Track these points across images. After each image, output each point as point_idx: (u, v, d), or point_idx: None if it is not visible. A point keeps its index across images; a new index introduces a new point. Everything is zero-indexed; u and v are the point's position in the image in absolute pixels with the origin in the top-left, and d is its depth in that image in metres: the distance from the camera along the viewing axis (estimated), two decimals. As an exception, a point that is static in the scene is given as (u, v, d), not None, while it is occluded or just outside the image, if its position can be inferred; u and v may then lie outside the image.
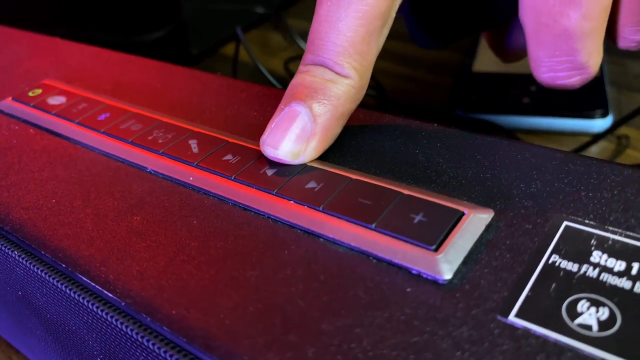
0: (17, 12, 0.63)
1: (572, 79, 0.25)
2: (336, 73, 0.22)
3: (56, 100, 0.28)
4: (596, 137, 0.39)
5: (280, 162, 0.21)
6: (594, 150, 0.40)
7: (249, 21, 0.61)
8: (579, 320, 0.15)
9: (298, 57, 0.52)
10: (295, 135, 0.21)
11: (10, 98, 0.29)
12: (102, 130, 0.25)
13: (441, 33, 0.32)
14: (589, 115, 0.41)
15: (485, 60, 0.48)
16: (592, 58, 0.24)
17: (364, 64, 0.22)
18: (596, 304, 0.15)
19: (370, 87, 0.48)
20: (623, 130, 0.41)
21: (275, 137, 0.21)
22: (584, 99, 0.41)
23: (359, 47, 0.22)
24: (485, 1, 0.28)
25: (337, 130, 0.22)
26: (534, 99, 0.42)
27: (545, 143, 0.41)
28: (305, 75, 0.22)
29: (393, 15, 0.23)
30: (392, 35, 0.24)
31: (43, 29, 0.39)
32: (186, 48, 0.56)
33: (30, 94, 0.29)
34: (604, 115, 0.41)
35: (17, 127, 0.27)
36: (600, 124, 0.41)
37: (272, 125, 0.22)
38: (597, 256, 0.16)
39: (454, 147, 0.21)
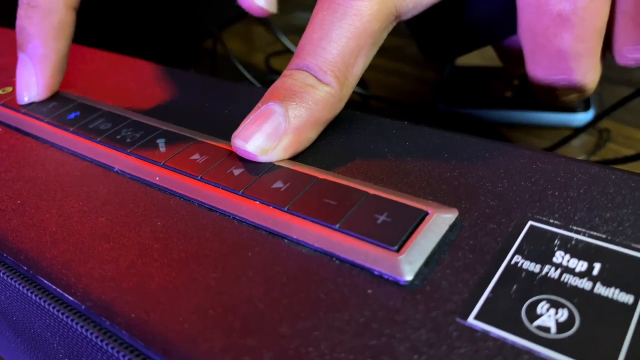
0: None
1: (569, 97, 0.26)
2: (318, 79, 0.22)
3: (26, 98, 0.28)
4: (577, 131, 0.39)
5: (247, 157, 0.21)
6: (575, 144, 0.40)
7: (232, 15, 0.61)
8: (537, 322, 0.15)
9: (280, 52, 0.52)
10: (267, 132, 0.21)
11: (-20, 96, 0.29)
12: (71, 130, 0.25)
13: (446, 49, 0.33)
14: (571, 109, 0.41)
15: (469, 55, 0.48)
16: (587, 77, 0.25)
17: (348, 77, 0.22)
18: (556, 305, 0.15)
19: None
20: (604, 123, 0.41)
21: (247, 132, 0.21)
22: None
23: (346, 59, 0.22)
24: (488, 21, 0.29)
25: (310, 134, 0.22)
26: (516, 93, 0.42)
27: (527, 137, 0.41)
28: (287, 79, 0.22)
29: (384, 36, 0.23)
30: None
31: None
32: (171, 41, 0.55)
33: (0, 92, 0.28)
34: (586, 109, 0.41)
35: (-15, 126, 0.27)
36: (581, 118, 0.40)
37: (247, 120, 0.22)
38: (559, 257, 0.16)
39: (422, 145, 0.21)
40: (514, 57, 0.31)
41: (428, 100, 0.45)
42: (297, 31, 0.57)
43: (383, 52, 0.55)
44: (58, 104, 0.27)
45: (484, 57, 0.46)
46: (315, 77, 0.22)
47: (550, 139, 0.40)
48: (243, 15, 0.61)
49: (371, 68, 0.53)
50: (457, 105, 0.42)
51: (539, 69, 0.25)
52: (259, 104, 0.22)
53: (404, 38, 0.55)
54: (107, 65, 0.31)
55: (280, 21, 0.60)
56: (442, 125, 0.22)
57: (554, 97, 0.27)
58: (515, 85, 0.43)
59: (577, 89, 0.26)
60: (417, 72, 0.50)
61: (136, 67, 0.30)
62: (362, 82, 0.48)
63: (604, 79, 0.45)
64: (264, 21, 0.56)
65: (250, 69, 0.50)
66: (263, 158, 0.21)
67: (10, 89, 0.29)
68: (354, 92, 0.23)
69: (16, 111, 0.27)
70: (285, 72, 0.23)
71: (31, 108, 0.27)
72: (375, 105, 0.45)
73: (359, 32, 0.22)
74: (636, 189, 0.18)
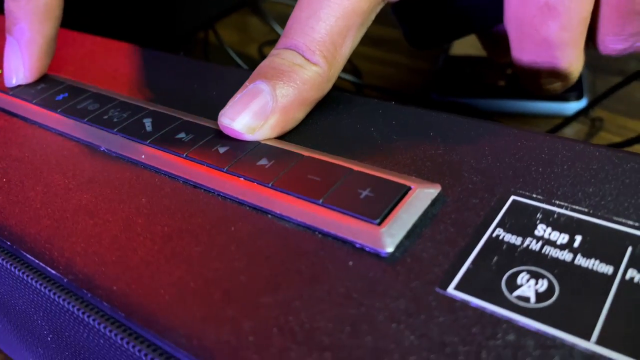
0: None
1: (554, 85, 0.26)
2: (306, 59, 0.22)
3: (15, 80, 0.27)
4: (568, 119, 0.39)
5: (234, 135, 0.21)
6: (568, 133, 0.40)
7: (228, 5, 0.61)
8: (517, 292, 0.15)
9: (273, 41, 0.51)
10: (254, 111, 0.21)
11: (-32, 78, 0.29)
12: (59, 110, 0.25)
13: (432, 36, 0.33)
14: (564, 98, 0.41)
15: (463, 44, 0.48)
16: (572, 65, 0.25)
17: (336, 56, 0.22)
18: (536, 276, 0.15)
19: (346, 70, 0.48)
20: (597, 112, 0.41)
21: (234, 110, 0.21)
22: None
23: (334, 38, 0.22)
24: (474, 9, 0.29)
25: (298, 114, 0.22)
26: (510, 82, 0.42)
27: (520, 126, 0.41)
28: (274, 58, 0.22)
29: (372, 17, 0.23)
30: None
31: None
32: (170, 29, 0.55)
33: (-11, 74, 0.28)
34: (579, 97, 0.41)
35: (-26, 108, 0.27)
36: (574, 107, 0.40)
37: (234, 99, 0.22)
38: (541, 229, 0.16)
39: (408, 124, 0.21)
40: (500, 46, 0.31)
41: (422, 90, 0.45)
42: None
43: (378, 42, 0.55)
44: (47, 86, 0.27)
45: (478, 47, 0.46)
46: (303, 57, 0.22)
47: (543, 127, 0.40)
48: (238, 6, 0.61)
49: (366, 58, 0.53)
50: (450, 95, 0.42)
51: (524, 56, 0.25)
52: (247, 83, 0.22)
53: (398, 29, 0.55)
54: (98, 49, 0.31)
55: (275, 11, 0.60)
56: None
57: (539, 85, 0.27)
58: (509, 74, 0.43)
59: (561, 77, 0.26)
60: (411, 63, 0.50)
61: (126, 51, 0.30)
62: (357, 72, 0.48)
63: (597, 69, 0.45)
64: (259, 11, 0.56)
65: (245, 58, 0.50)
66: (249, 137, 0.21)
67: (-1, 71, 0.29)
68: (348, 82, 0.23)
69: (5, 93, 0.27)
70: (273, 52, 0.23)
71: (20, 90, 0.27)
72: (370, 94, 0.45)
73: (348, 12, 0.22)
74: (619, 165, 0.18)
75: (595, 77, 0.44)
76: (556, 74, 0.26)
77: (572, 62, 0.25)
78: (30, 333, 0.22)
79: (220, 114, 0.21)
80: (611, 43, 0.25)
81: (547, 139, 0.19)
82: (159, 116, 0.23)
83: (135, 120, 0.23)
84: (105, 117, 0.24)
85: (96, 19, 0.55)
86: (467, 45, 0.47)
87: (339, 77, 0.23)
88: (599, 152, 0.19)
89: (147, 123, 0.23)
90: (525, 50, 0.25)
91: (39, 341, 0.22)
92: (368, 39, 0.57)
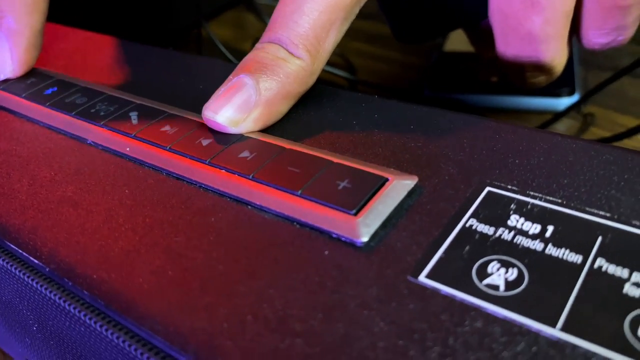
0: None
1: (538, 78, 0.27)
2: (290, 52, 0.22)
3: (5, 74, 0.28)
4: (559, 114, 0.39)
5: (217, 128, 0.21)
6: (559, 128, 0.40)
7: (223, 2, 0.61)
8: (487, 280, 0.15)
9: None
10: (238, 104, 0.21)
11: (-41, 73, 0.29)
12: (47, 104, 0.25)
13: (419, 31, 0.33)
14: (556, 94, 0.41)
15: (456, 41, 0.48)
16: (555, 59, 0.25)
17: (319, 50, 0.22)
18: (506, 265, 0.15)
19: (340, 66, 0.48)
20: (589, 108, 0.41)
21: (217, 103, 0.21)
22: None
23: (318, 32, 0.22)
24: (459, 4, 0.29)
25: (281, 107, 0.22)
26: (502, 78, 0.43)
27: (512, 121, 0.41)
28: (258, 52, 0.22)
29: (356, 10, 0.23)
30: (364, 15, 0.25)
31: None
32: (161, 26, 0.56)
33: (-21, 68, 0.29)
34: (571, 93, 0.41)
35: (-36, 102, 0.27)
36: (566, 102, 0.41)
37: (218, 92, 0.22)
38: (514, 220, 0.16)
39: (389, 118, 0.22)
40: (486, 40, 0.32)
41: (415, 85, 0.45)
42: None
43: (372, 38, 0.55)
44: (36, 80, 0.27)
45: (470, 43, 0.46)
46: (287, 50, 0.22)
47: (535, 122, 0.40)
48: (234, 3, 0.61)
49: (360, 54, 0.53)
50: (443, 91, 0.42)
51: (509, 50, 0.26)
52: (230, 77, 0.22)
53: (392, 24, 0.55)
54: (87, 43, 0.31)
55: (270, 7, 0.61)
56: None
57: (524, 78, 0.27)
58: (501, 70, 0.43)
59: (545, 71, 0.26)
60: (405, 59, 0.50)
61: (115, 45, 0.30)
62: (350, 68, 0.48)
63: (590, 65, 0.45)
64: (254, 9, 0.57)
65: (240, 55, 0.50)
66: (233, 130, 0.21)
67: (-10, 66, 0.29)
68: (342, 78, 0.23)
69: (-6, 87, 0.27)
70: (257, 45, 0.23)
71: (9, 84, 0.27)
72: (363, 90, 0.45)
73: (331, 6, 0.22)
74: (594, 158, 0.18)
75: (588, 73, 0.44)
76: (540, 68, 0.26)
77: (556, 55, 0.25)
78: (17, 323, 0.22)
79: (204, 107, 0.22)
80: (594, 37, 0.25)
81: (525, 131, 0.20)
82: (145, 109, 0.23)
83: (122, 114, 0.23)
84: (93, 110, 0.24)
85: (89, 15, 0.56)
86: (461, 42, 0.47)
87: (333, 74, 0.24)
88: (575, 144, 0.19)
89: (133, 116, 0.23)
90: (509, 44, 0.25)
91: (25, 331, 0.22)
92: (362, 35, 0.57)
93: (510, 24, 0.25)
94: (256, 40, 0.53)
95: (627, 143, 0.36)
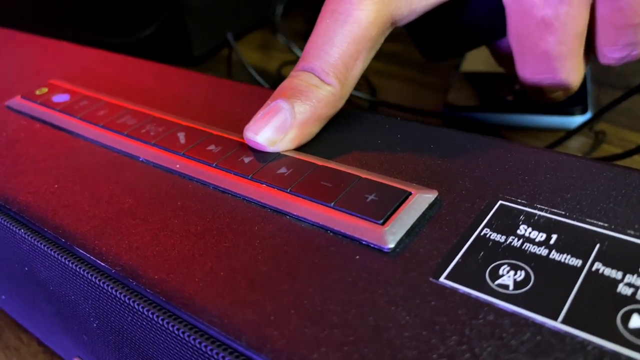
0: (21, 19, 0.67)
1: (556, 94, 0.29)
2: (321, 80, 0.25)
3: (60, 98, 0.31)
4: (571, 132, 0.41)
5: (258, 147, 0.24)
6: (572, 146, 0.42)
7: (249, 24, 0.64)
8: (498, 281, 0.17)
9: (292, 62, 0.55)
10: (275, 126, 0.24)
11: (20, 96, 0.32)
12: (101, 125, 0.28)
13: (444, 49, 0.35)
14: (569, 112, 0.43)
15: (474, 61, 0.50)
16: (571, 75, 0.27)
17: (348, 77, 0.25)
18: (515, 268, 0.17)
19: (361, 88, 0.50)
20: (601, 126, 0.43)
21: (257, 125, 0.24)
22: None
23: (346, 61, 0.25)
24: (481, 23, 0.32)
25: (313, 129, 0.25)
26: (517, 97, 0.44)
27: (526, 138, 0.43)
28: (293, 79, 0.25)
29: (381, 40, 0.26)
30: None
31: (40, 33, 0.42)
32: (188, 50, 0.59)
33: (37, 92, 0.32)
34: (583, 112, 0.42)
35: (24, 122, 0.30)
36: (579, 121, 0.42)
37: (257, 115, 0.24)
38: (522, 229, 0.19)
39: (411, 138, 0.24)
40: (506, 56, 0.34)
41: (434, 105, 0.47)
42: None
43: (391, 58, 0.57)
44: (89, 102, 0.30)
45: (488, 63, 0.49)
46: (319, 78, 0.25)
47: (548, 140, 0.42)
48: (259, 24, 0.65)
49: (380, 74, 0.55)
50: (461, 109, 0.45)
51: (527, 69, 0.28)
52: (269, 101, 0.25)
53: (411, 45, 0.58)
54: (133, 69, 0.34)
55: (293, 29, 0.64)
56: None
57: (542, 94, 0.29)
58: (517, 90, 0.45)
59: (562, 87, 0.28)
60: (423, 78, 0.53)
61: (158, 71, 0.33)
62: (371, 89, 0.50)
63: (603, 84, 0.47)
64: (277, 31, 0.59)
65: (265, 75, 0.53)
66: (271, 148, 0.24)
67: (45, 89, 0.32)
68: (362, 99, 0.26)
69: (52, 109, 0.30)
70: (292, 73, 0.25)
71: (65, 106, 0.30)
72: (383, 110, 0.47)
73: (358, 38, 0.25)
74: (595, 174, 0.20)
75: (601, 92, 0.46)
76: (557, 84, 0.28)
77: (571, 72, 0.27)
78: (76, 322, 0.25)
79: (245, 128, 0.24)
80: (608, 52, 0.27)
81: (533, 150, 0.22)
82: (191, 130, 0.26)
83: (170, 134, 0.26)
84: (143, 130, 0.27)
85: (122, 43, 0.59)
86: (478, 62, 0.49)
87: (355, 96, 0.26)
88: (578, 162, 0.21)
89: (181, 136, 0.26)
90: (527, 63, 0.28)
91: (84, 329, 0.24)
92: (382, 55, 0.59)
93: (526, 45, 0.27)
94: (281, 64, 0.56)
95: (638, 159, 0.38)
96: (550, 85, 0.28)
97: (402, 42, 0.59)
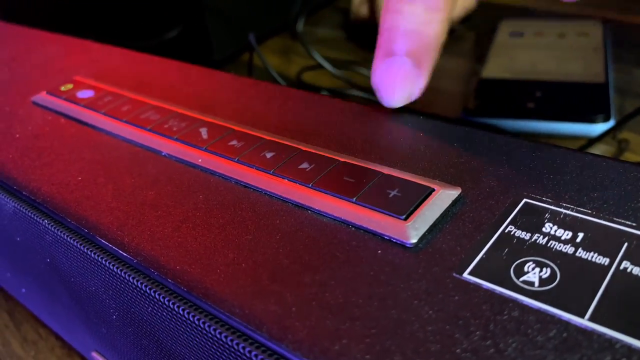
0: (44, 22, 0.68)
1: None
2: (431, 9, 0.24)
3: (85, 94, 0.31)
4: (593, 140, 0.41)
5: (393, 106, 0.25)
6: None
7: (269, 29, 0.64)
8: (523, 277, 0.17)
9: (312, 67, 0.55)
10: (402, 84, 0.24)
11: (45, 92, 0.32)
12: (124, 120, 0.28)
13: None
14: (591, 120, 0.42)
15: (494, 68, 0.50)
16: None
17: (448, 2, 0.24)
18: (540, 265, 0.17)
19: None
20: (624, 134, 0.43)
21: (386, 90, 0.25)
22: (588, 104, 0.43)
23: None
24: None
25: (434, 63, 0.25)
26: (538, 104, 0.44)
27: (547, 146, 0.43)
28: (398, 17, 0.24)
29: None
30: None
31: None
32: (209, 54, 0.59)
33: (62, 88, 0.32)
34: (606, 119, 0.42)
35: (50, 117, 0.30)
36: (601, 128, 0.42)
37: (379, 77, 0.25)
38: (548, 227, 0.18)
39: (435, 136, 0.24)
40: None
41: (454, 111, 0.47)
42: (329, 45, 0.61)
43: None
44: (113, 98, 0.30)
45: (508, 70, 0.48)
46: (424, 8, 0.24)
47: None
48: (279, 30, 0.65)
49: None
50: (481, 115, 0.44)
51: None
52: (381, 55, 0.25)
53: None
54: (156, 67, 0.34)
55: (313, 34, 0.64)
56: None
57: None
58: (538, 97, 0.45)
59: None
60: (443, 85, 0.52)
61: (181, 69, 0.33)
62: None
63: (626, 93, 0.47)
64: (297, 36, 0.60)
65: (285, 80, 0.53)
66: (408, 101, 0.25)
67: (70, 86, 0.32)
68: (379, 104, 0.26)
69: (77, 104, 0.30)
70: (391, 5, 0.25)
71: (89, 102, 0.30)
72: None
73: None
74: (622, 175, 0.20)
75: (624, 101, 0.46)
76: None
77: None
78: (96, 314, 0.25)
79: (379, 98, 0.25)
80: None
81: (559, 150, 0.22)
82: (213, 126, 0.26)
83: (193, 130, 0.26)
84: (166, 126, 0.27)
85: (142, 42, 0.60)
86: (498, 69, 0.49)
87: (372, 100, 0.26)
88: (605, 162, 0.21)
89: (203, 132, 0.26)
90: None
91: (103, 321, 0.25)
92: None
93: None
94: (301, 68, 0.56)
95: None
96: None
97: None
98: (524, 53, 0.51)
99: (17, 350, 0.34)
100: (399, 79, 0.24)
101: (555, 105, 0.44)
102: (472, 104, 0.45)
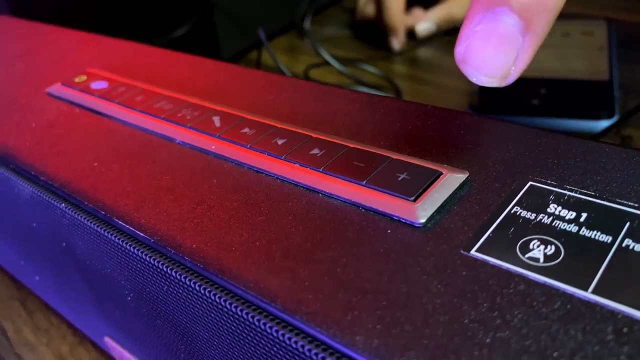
0: (53, 18, 0.68)
1: None
2: None
3: (99, 85, 0.32)
4: (596, 136, 0.41)
5: (488, 84, 0.19)
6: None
7: (276, 28, 0.65)
8: (529, 254, 0.17)
9: (319, 64, 0.55)
10: (500, 51, 0.18)
11: (60, 83, 0.33)
12: (138, 109, 0.29)
13: None
14: (595, 117, 0.43)
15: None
16: None
17: None
18: (545, 242, 0.18)
19: (386, 89, 0.51)
20: (628, 131, 0.43)
21: (475, 57, 0.18)
22: (592, 101, 0.44)
23: None
24: None
25: (548, 30, 0.18)
26: (543, 101, 0.45)
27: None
28: None
29: None
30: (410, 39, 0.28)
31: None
32: (216, 52, 0.60)
33: (76, 79, 0.33)
34: (610, 116, 0.43)
35: (64, 108, 0.31)
36: (605, 125, 0.42)
37: (468, 40, 0.18)
38: (552, 208, 0.19)
39: (443, 123, 0.24)
40: None
41: (459, 108, 0.48)
42: (335, 44, 0.61)
43: (418, 63, 0.58)
44: (126, 89, 0.31)
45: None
46: None
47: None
48: (286, 28, 0.66)
49: (405, 78, 0.56)
50: (486, 112, 0.45)
51: None
52: (478, 11, 0.18)
53: (438, 51, 0.59)
54: (168, 60, 0.35)
55: (320, 33, 0.65)
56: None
57: None
58: (543, 94, 0.45)
59: None
60: (449, 82, 0.53)
61: (192, 61, 0.34)
62: (397, 90, 0.51)
63: (630, 90, 0.47)
64: (305, 35, 0.60)
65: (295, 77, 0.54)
66: (505, 83, 0.19)
67: (84, 77, 0.33)
68: (388, 98, 0.25)
69: (91, 95, 0.31)
70: None
71: (103, 93, 0.31)
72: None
73: None
74: (625, 159, 0.21)
75: (628, 97, 0.46)
76: None
77: None
78: (109, 298, 0.25)
79: (464, 68, 0.19)
80: None
81: (563, 137, 0.22)
82: (225, 115, 0.27)
83: (206, 118, 0.27)
84: (179, 114, 0.27)
85: (151, 40, 0.60)
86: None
87: (379, 96, 0.26)
88: (608, 148, 0.21)
89: (216, 120, 0.26)
90: None
91: (117, 304, 0.25)
92: (408, 59, 0.60)
93: None
94: (308, 66, 0.57)
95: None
96: None
97: (429, 47, 0.59)
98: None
99: (29, 338, 0.35)
100: (501, 43, 0.17)
101: (559, 102, 0.44)
102: (477, 101, 0.46)
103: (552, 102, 0.45)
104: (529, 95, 0.46)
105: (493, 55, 0.18)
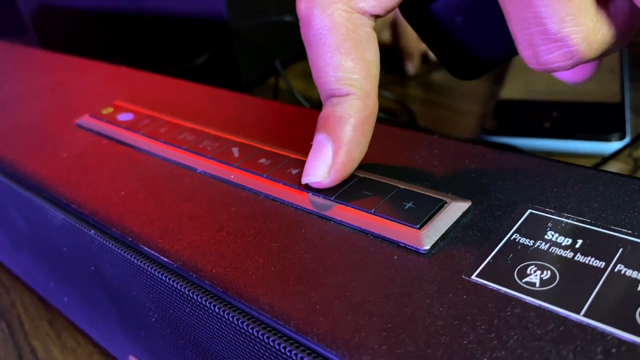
0: (75, 48, 0.71)
1: (553, 55, 0.21)
2: (339, 96, 0.24)
3: (125, 117, 0.34)
4: (607, 158, 0.42)
5: (318, 186, 0.24)
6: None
7: (294, 54, 0.67)
8: (526, 279, 0.19)
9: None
10: (319, 161, 0.24)
11: (88, 115, 0.35)
12: (162, 140, 0.30)
13: (470, 68, 0.35)
14: (606, 139, 0.43)
15: (513, 89, 0.51)
16: (566, 25, 0.20)
17: (357, 77, 0.24)
18: (542, 268, 0.19)
19: (401, 114, 0.52)
20: (639, 153, 0.44)
21: (307, 167, 0.24)
22: (603, 123, 0.44)
23: (344, 66, 0.24)
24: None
25: (361, 138, 0.24)
26: (555, 123, 0.46)
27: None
28: (323, 110, 0.25)
29: (368, 31, 0.24)
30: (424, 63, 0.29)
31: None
32: (237, 78, 0.62)
33: (103, 111, 0.35)
34: (622, 138, 0.43)
35: (93, 139, 0.33)
36: (617, 147, 0.43)
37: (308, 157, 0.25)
38: (550, 235, 0.20)
39: (447, 154, 0.26)
40: None
41: (473, 131, 0.49)
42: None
43: (432, 87, 0.59)
44: (150, 121, 0.33)
45: (525, 91, 0.50)
46: (337, 96, 0.24)
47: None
48: (303, 54, 0.68)
49: (420, 101, 0.57)
50: (499, 135, 0.46)
51: (513, 26, 0.22)
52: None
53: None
54: (190, 92, 0.37)
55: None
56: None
57: (538, 58, 0.22)
58: (555, 117, 0.46)
59: (558, 44, 0.21)
60: (462, 106, 0.54)
61: (213, 93, 0.36)
62: (411, 114, 0.52)
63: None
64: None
65: (309, 102, 0.56)
66: (328, 181, 0.24)
67: (111, 109, 0.35)
68: (402, 125, 0.26)
69: (118, 126, 0.33)
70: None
71: (129, 124, 0.33)
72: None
73: (335, 44, 0.24)
74: (621, 187, 0.22)
75: (639, 120, 0.47)
76: (551, 40, 0.21)
77: (565, 20, 0.20)
78: (135, 318, 0.27)
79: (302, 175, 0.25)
80: None
81: (563, 165, 0.23)
82: (243, 146, 0.28)
83: (225, 149, 0.28)
84: (200, 145, 0.29)
85: (173, 67, 0.63)
86: (516, 90, 0.51)
87: (393, 122, 0.28)
88: (605, 176, 0.22)
89: (235, 151, 0.28)
90: (511, 17, 0.22)
91: (142, 324, 0.27)
92: (422, 84, 0.62)
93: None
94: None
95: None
96: (544, 44, 0.21)
97: (443, 71, 0.61)
98: (540, 75, 0.53)
99: (57, 357, 0.37)
100: (317, 156, 0.24)
101: (571, 124, 0.45)
102: (490, 124, 0.47)
103: (564, 124, 0.46)
104: (541, 117, 0.46)
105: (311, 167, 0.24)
